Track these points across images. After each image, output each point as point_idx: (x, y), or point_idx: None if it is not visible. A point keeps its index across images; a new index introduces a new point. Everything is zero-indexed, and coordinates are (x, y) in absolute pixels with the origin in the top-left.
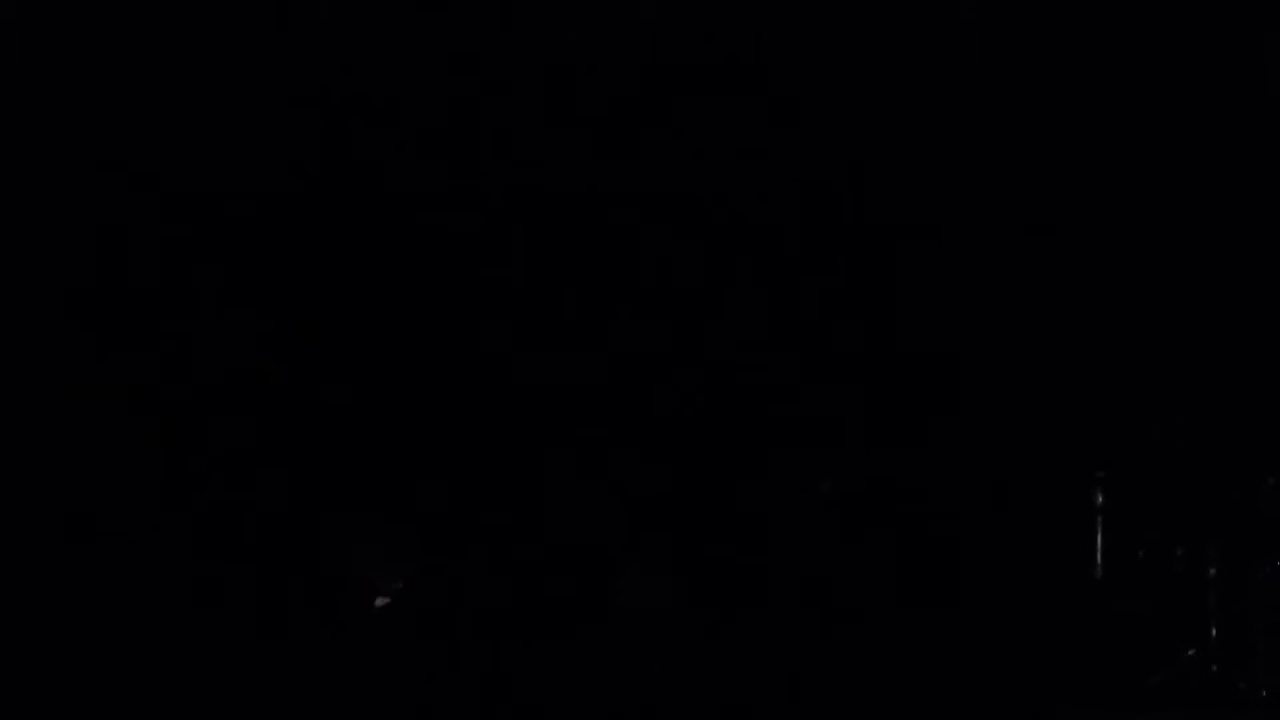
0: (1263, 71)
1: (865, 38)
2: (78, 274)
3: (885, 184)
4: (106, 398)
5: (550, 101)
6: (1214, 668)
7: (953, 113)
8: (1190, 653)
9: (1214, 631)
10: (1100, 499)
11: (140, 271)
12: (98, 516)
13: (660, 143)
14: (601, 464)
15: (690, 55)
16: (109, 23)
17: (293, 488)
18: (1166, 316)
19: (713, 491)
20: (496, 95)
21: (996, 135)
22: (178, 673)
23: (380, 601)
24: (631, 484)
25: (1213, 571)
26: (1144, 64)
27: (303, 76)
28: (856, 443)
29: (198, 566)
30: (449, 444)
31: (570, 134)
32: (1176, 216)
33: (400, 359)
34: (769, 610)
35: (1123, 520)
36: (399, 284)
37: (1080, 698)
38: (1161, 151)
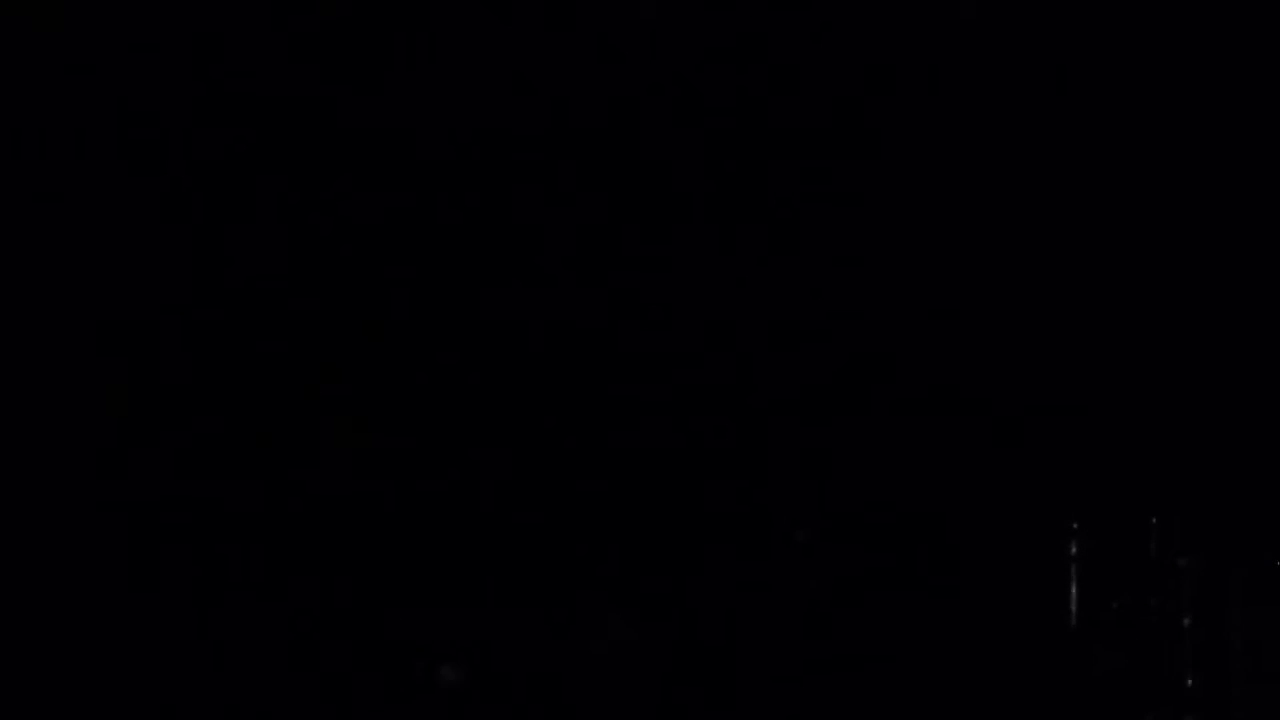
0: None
1: (865, 37)
2: (78, 274)
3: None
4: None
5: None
6: None
7: (943, 122)
8: (1166, 706)
9: (1189, 683)
10: (1074, 550)
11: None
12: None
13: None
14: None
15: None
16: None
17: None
18: (1140, 368)
19: (682, 535)
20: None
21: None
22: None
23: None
24: (595, 522)
25: (1187, 622)
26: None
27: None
28: (831, 491)
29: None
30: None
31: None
32: (1139, 285)
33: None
34: (733, 653)
35: (1097, 571)
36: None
37: None
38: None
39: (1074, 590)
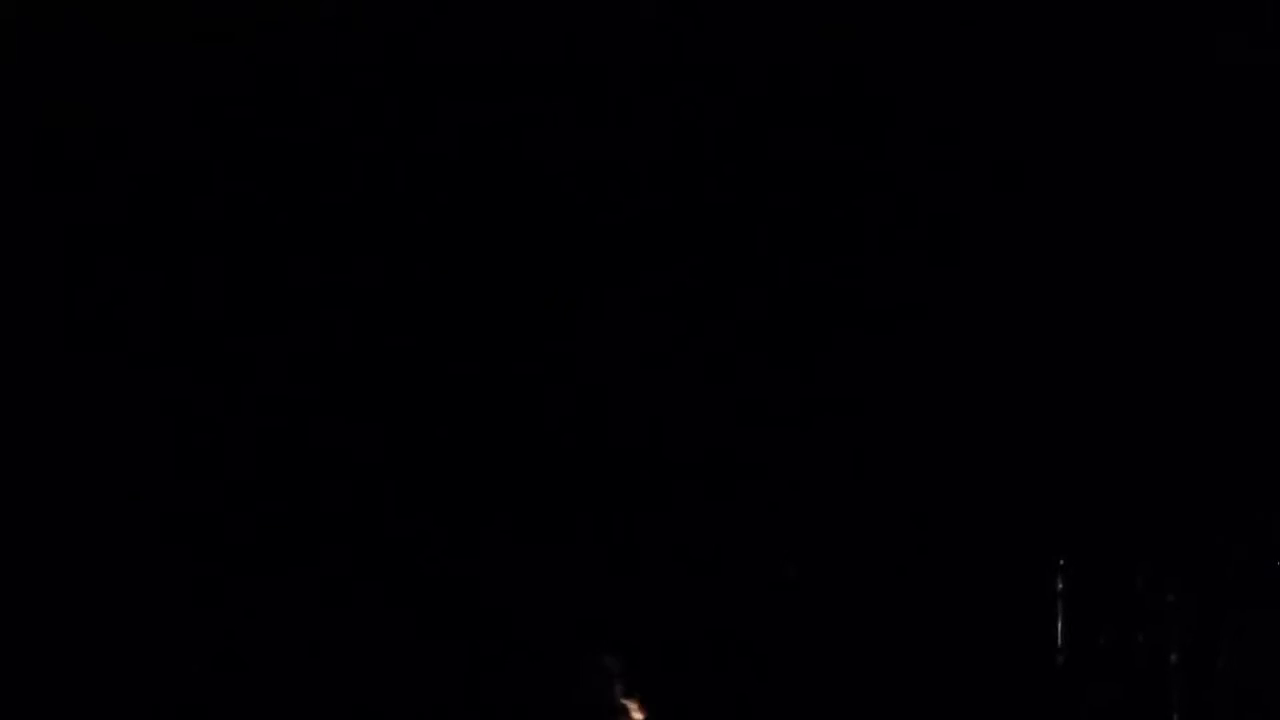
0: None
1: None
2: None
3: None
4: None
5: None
6: None
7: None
8: None
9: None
10: (1060, 585)
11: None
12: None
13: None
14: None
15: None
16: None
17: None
18: (1122, 403)
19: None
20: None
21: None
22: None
23: None
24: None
25: (1174, 658)
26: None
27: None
28: (819, 525)
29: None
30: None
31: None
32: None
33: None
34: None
35: (1083, 607)
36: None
37: None
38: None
39: (1060, 626)
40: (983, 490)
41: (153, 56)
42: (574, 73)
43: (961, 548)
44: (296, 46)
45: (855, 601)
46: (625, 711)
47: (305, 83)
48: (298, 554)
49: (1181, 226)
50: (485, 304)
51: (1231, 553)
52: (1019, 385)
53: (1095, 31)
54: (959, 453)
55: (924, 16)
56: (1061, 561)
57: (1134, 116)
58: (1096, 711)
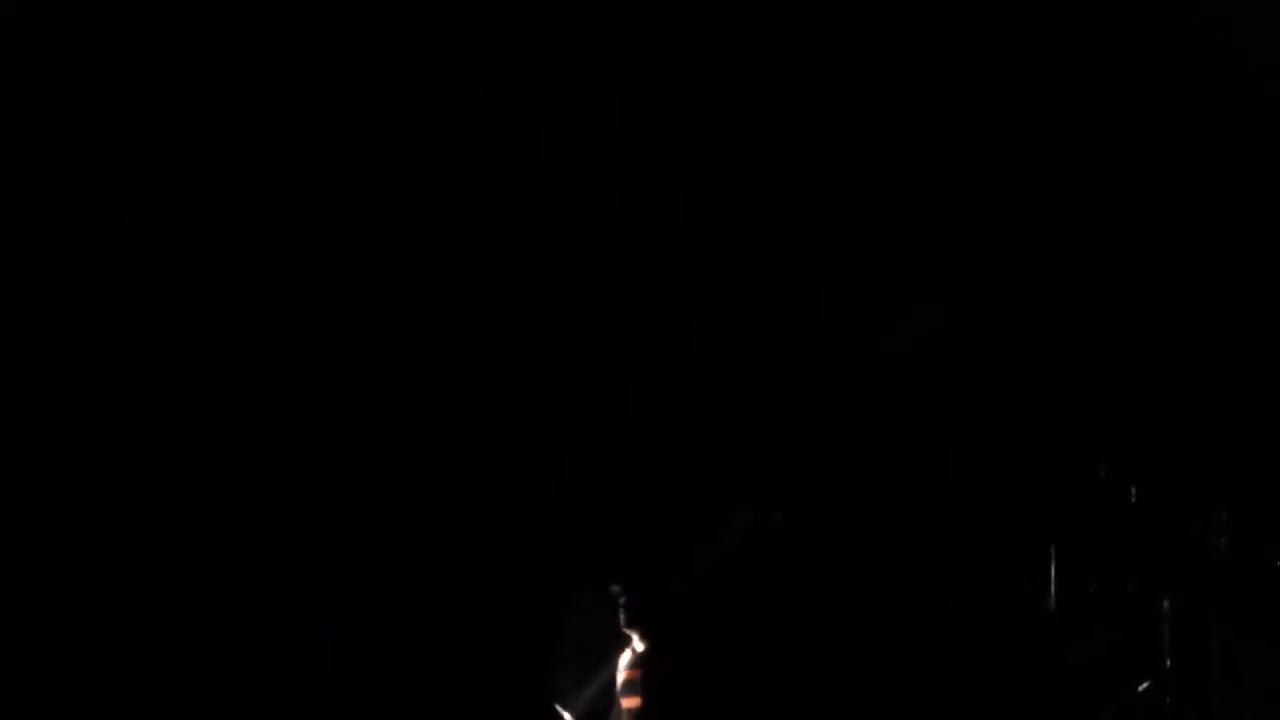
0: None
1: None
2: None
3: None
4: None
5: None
6: (1168, 700)
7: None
8: (1144, 686)
9: (1168, 664)
10: (1054, 530)
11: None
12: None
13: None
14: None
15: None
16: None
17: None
18: (1117, 358)
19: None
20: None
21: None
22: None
23: None
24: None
25: (1166, 605)
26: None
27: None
28: (807, 477)
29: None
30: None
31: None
32: (1115, 277)
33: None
34: (716, 643)
35: (1076, 555)
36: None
37: None
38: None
39: (1053, 571)
40: (977, 443)
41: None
42: None
43: (956, 498)
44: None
45: (846, 553)
46: (628, 639)
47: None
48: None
49: (1174, 229)
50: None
51: (1222, 501)
52: (1011, 355)
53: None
54: (951, 409)
55: None
56: (1055, 508)
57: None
58: (1088, 657)
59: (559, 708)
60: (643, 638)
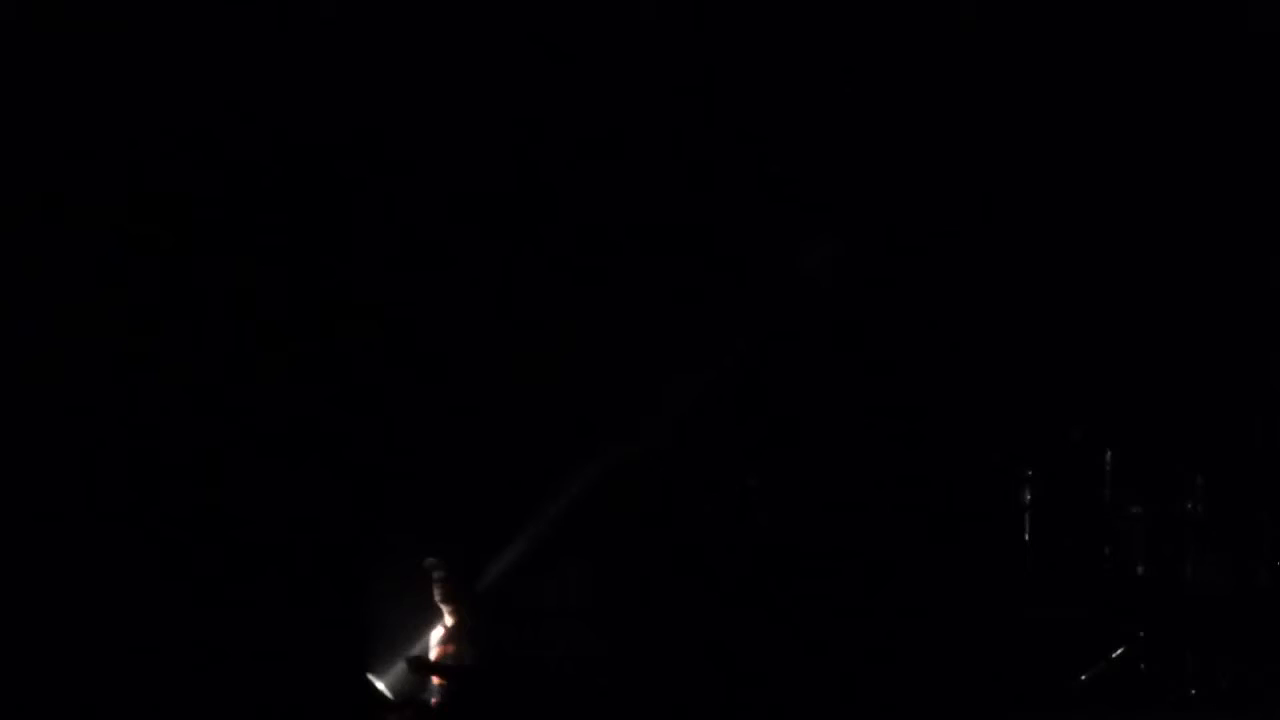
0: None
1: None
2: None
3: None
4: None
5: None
6: (1142, 667)
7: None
8: (1119, 652)
9: (1142, 632)
10: (1028, 497)
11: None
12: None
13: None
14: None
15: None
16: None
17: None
18: (1090, 323)
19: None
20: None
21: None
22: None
23: None
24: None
25: (1141, 570)
26: None
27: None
28: (783, 441)
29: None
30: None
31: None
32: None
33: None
34: (692, 608)
35: (1051, 518)
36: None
37: (1009, 697)
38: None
39: (1027, 536)
40: (952, 402)
41: None
42: None
43: (932, 458)
44: None
45: (820, 513)
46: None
47: None
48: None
49: (1150, 195)
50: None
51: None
52: (989, 311)
53: None
54: (932, 362)
55: None
56: (1029, 473)
57: None
58: (1061, 622)
59: (372, 679)
60: (453, 614)
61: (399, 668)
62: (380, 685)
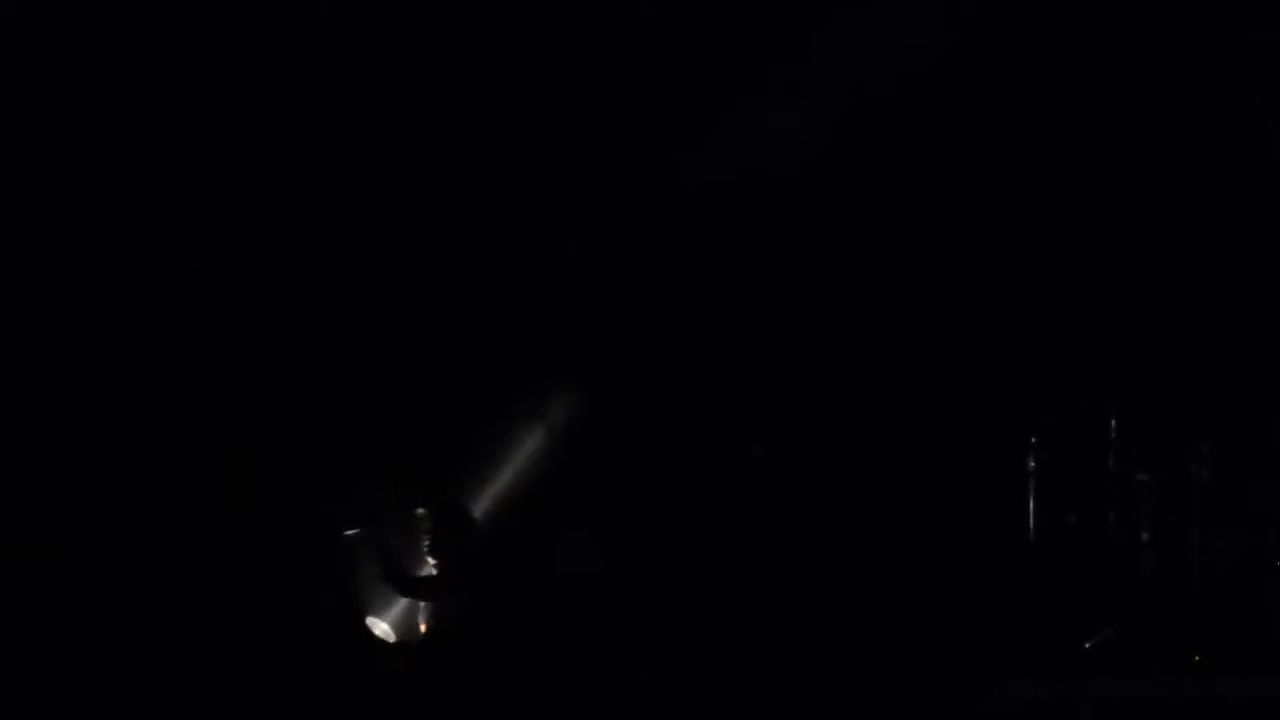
0: None
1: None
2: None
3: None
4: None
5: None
6: (1146, 631)
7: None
8: (1124, 619)
9: (1147, 597)
10: (1033, 464)
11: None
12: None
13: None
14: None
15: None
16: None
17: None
18: (1098, 292)
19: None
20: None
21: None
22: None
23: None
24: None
25: (1145, 537)
26: None
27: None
28: (786, 406)
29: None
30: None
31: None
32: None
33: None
34: (698, 579)
35: (1056, 485)
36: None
37: (1015, 663)
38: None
39: (1032, 504)
40: (957, 369)
41: None
42: None
43: (936, 424)
44: None
45: (825, 480)
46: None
47: None
48: None
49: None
50: None
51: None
52: (994, 268)
53: None
54: (934, 330)
55: None
56: (1034, 440)
57: None
58: (1066, 590)
59: (371, 620)
60: (440, 566)
61: (397, 606)
62: (382, 626)
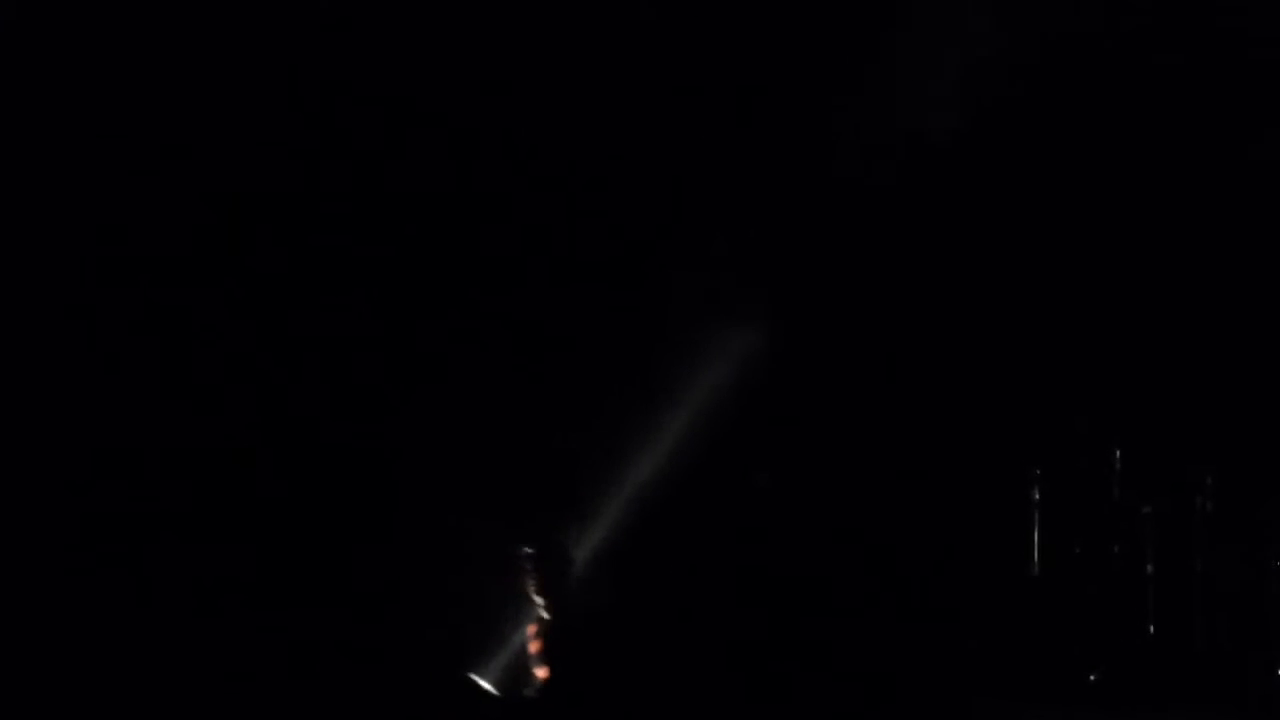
0: None
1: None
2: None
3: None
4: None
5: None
6: (1152, 662)
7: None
8: (1127, 649)
9: (1151, 628)
10: (1037, 495)
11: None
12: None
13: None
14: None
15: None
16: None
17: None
18: (1100, 318)
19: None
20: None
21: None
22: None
23: None
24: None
25: (1150, 568)
26: None
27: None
28: (793, 437)
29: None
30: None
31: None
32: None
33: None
34: (708, 605)
35: (1060, 516)
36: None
37: (1021, 693)
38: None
39: (1036, 535)
40: (961, 400)
41: None
42: None
43: (941, 456)
44: None
45: (830, 510)
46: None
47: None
48: None
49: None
50: None
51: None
52: (1000, 296)
53: None
54: (940, 361)
55: None
56: (1038, 471)
57: None
58: (1071, 620)
59: (474, 677)
60: (547, 608)
61: (502, 659)
62: (483, 684)
